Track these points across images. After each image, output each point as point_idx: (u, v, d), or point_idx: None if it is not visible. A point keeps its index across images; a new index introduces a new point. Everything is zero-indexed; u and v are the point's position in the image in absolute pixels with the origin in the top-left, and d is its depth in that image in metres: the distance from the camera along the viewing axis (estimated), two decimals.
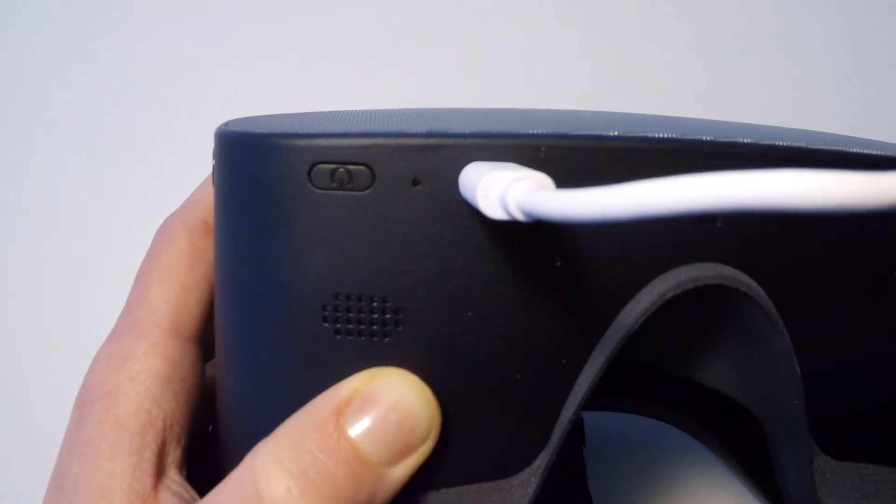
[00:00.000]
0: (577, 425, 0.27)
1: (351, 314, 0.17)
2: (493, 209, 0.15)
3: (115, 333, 0.20)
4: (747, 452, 0.26)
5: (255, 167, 0.17)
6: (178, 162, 0.32)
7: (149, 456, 0.18)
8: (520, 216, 0.14)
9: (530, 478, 0.18)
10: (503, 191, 0.14)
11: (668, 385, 0.26)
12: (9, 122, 0.34)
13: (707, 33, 0.34)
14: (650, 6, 0.34)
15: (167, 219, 0.22)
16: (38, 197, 0.33)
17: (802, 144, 0.18)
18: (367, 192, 0.17)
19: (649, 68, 0.34)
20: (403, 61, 0.34)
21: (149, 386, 0.19)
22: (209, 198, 0.20)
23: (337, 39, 0.34)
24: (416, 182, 0.16)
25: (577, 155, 0.17)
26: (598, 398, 0.26)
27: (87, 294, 0.32)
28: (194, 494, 0.19)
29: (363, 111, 0.21)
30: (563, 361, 0.18)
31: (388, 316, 0.17)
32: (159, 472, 0.18)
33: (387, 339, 0.17)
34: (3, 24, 0.34)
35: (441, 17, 0.34)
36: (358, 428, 0.17)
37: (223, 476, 0.17)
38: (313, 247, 0.17)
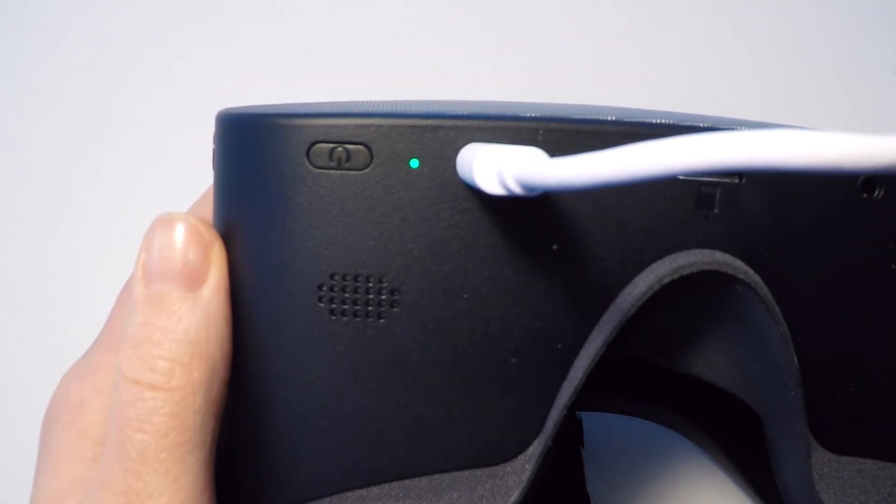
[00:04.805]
0: (575, 426, 0.26)
1: (346, 294, 0.17)
2: (490, 184, 0.15)
3: (87, 352, 0.20)
4: (743, 454, 0.26)
5: (255, 147, 0.17)
6: (181, 164, 0.32)
7: None
8: (517, 189, 0.14)
9: (525, 465, 0.18)
10: (500, 165, 0.14)
11: (666, 384, 0.26)
12: (7, 121, 0.34)
13: (706, 33, 0.34)
14: (649, 5, 0.34)
15: None
16: (36, 197, 0.33)
17: None
18: (365, 171, 0.17)
19: (648, 68, 0.34)
20: (400, 63, 0.34)
21: None
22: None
23: (338, 40, 0.35)
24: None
25: (575, 138, 0.17)
26: (596, 397, 0.26)
27: (86, 295, 0.32)
28: None
29: (363, 101, 0.22)
30: (559, 346, 0.18)
31: (383, 297, 0.17)
32: None
33: (382, 321, 0.17)
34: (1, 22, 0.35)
35: (441, 20, 0.35)
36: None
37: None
38: (310, 226, 0.17)
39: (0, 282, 0.32)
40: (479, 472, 0.18)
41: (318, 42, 0.34)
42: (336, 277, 0.17)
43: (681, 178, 0.17)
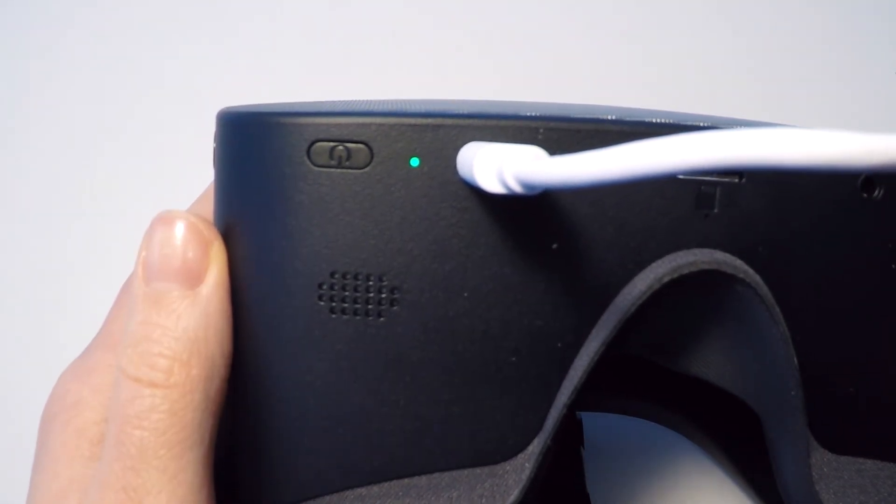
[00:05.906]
0: (575, 426, 0.26)
1: (346, 293, 0.17)
2: (490, 183, 0.15)
3: (85, 352, 0.20)
4: (743, 454, 0.26)
5: (256, 145, 0.17)
6: (181, 163, 0.32)
7: None
8: (517, 188, 0.14)
9: (524, 463, 0.18)
10: (500, 163, 0.14)
11: (666, 384, 0.26)
12: (7, 121, 0.34)
13: (706, 33, 0.34)
14: (650, 6, 0.34)
15: None
16: (36, 196, 0.33)
17: None
18: (366, 170, 0.17)
19: (648, 68, 0.34)
20: (400, 62, 0.34)
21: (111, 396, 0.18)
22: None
23: (338, 40, 0.35)
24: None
25: (575, 137, 0.17)
26: (596, 397, 0.26)
27: (85, 295, 0.32)
28: None
29: (363, 100, 0.22)
30: (559, 345, 0.18)
31: (383, 295, 0.17)
32: None
33: (381, 319, 0.17)
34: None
35: (441, 19, 0.35)
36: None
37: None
38: (311, 224, 0.17)
39: None
40: (478, 470, 0.18)
41: (319, 41, 0.34)
42: (336, 276, 0.17)
43: (681, 177, 0.17)
